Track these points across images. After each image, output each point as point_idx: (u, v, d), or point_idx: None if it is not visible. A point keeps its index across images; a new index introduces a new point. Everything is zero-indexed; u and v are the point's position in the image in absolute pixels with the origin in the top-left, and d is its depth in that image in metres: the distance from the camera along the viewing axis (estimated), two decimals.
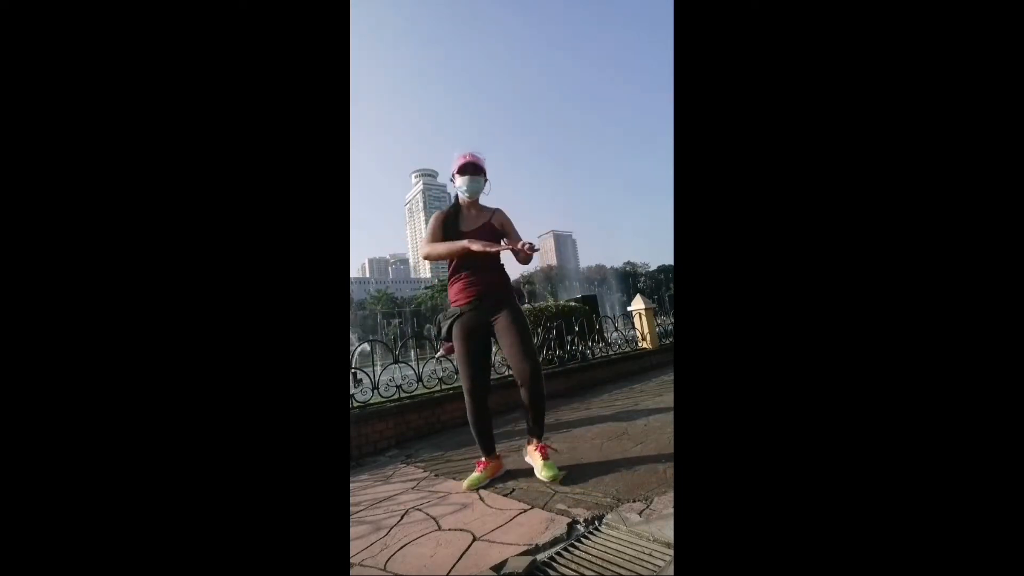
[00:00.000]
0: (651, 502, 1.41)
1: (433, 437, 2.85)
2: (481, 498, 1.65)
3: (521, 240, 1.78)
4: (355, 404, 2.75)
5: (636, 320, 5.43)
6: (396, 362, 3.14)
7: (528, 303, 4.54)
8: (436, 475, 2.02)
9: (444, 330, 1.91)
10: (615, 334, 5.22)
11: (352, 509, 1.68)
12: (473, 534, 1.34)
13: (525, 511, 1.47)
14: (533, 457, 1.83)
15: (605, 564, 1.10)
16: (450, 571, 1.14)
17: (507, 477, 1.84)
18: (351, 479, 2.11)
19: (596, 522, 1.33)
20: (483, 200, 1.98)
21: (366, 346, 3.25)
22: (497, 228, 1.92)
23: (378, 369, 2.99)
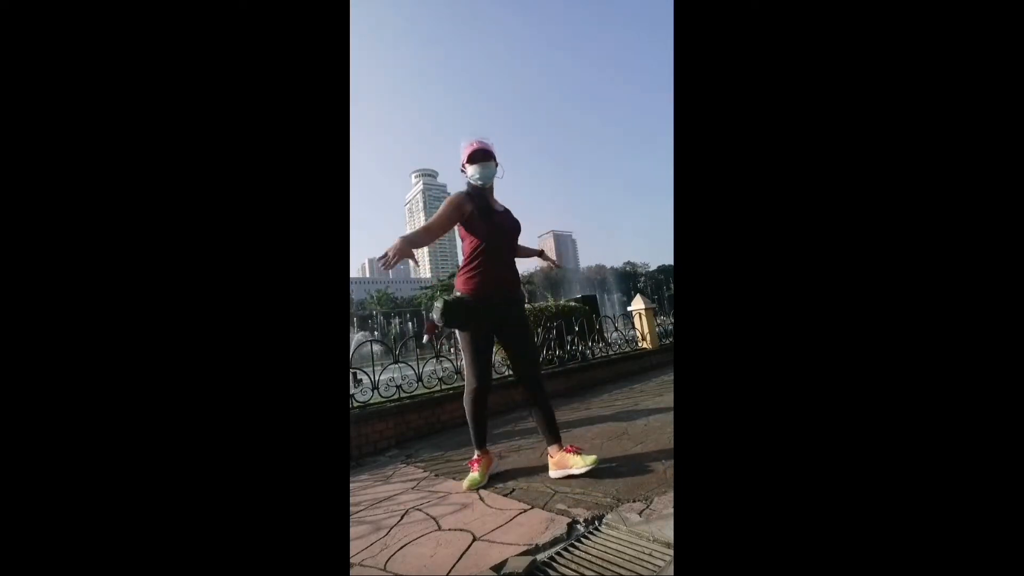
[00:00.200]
0: (651, 502, 1.41)
1: (433, 437, 2.85)
2: (481, 498, 1.65)
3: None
4: (355, 404, 2.75)
5: (636, 320, 5.43)
6: (396, 362, 3.14)
7: (528, 303, 4.54)
8: (436, 475, 2.02)
9: (450, 313, 1.77)
10: (615, 334, 5.22)
11: (352, 509, 1.68)
12: (473, 534, 1.34)
13: (525, 511, 1.47)
14: (565, 458, 1.75)
15: (605, 564, 1.10)
16: (450, 571, 1.14)
17: (507, 477, 1.84)
18: (351, 479, 2.11)
19: (596, 522, 1.33)
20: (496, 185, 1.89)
21: (366, 345, 3.25)
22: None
23: (378, 369, 3.00)
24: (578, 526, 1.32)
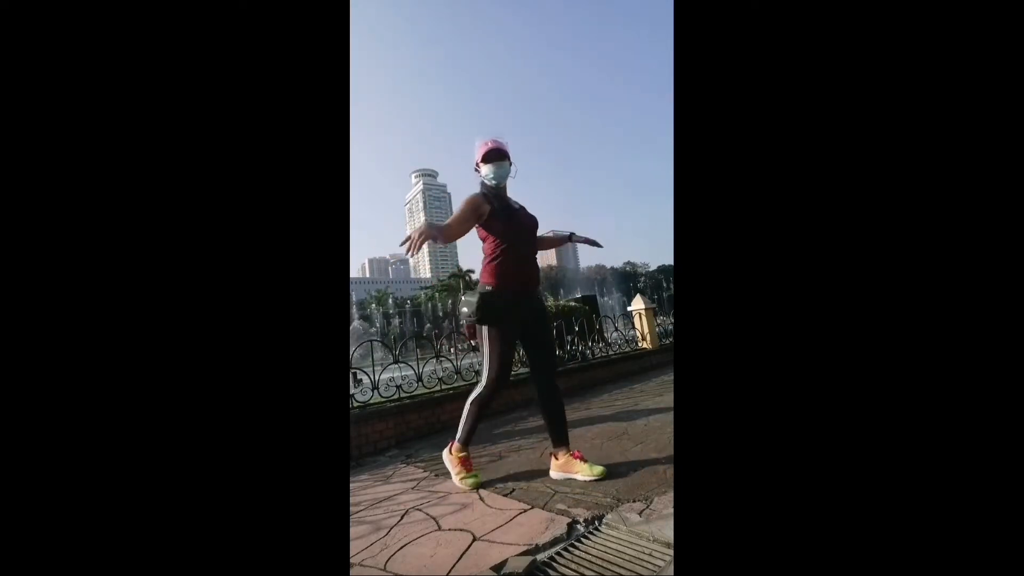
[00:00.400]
0: (651, 502, 1.41)
1: (433, 437, 2.85)
2: (481, 498, 1.65)
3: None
4: (355, 404, 2.74)
5: (636, 320, 5.43)
6: (396, 362, 3.14)
7: None
8: (436, 475, 2.02)
9: (486, 306, 1.69)
10: (615, 334, 5.22)
11: (352, 509, 1.67)
12: (473, 534, 1.34)
13: (525, 511, 1.47)
14: (571, 464, 1.73)
15: (605, 564, 1.10)
16: (450, 571, 1.14)
17: (507, 477, 1.84)
18: (351, 479, 2.11)
19: (596, 522, 1.33)
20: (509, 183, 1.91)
21: (366, 345, 3.24)
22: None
23: (378, 369, 2.99)
24: (578, 526, 1.32)
